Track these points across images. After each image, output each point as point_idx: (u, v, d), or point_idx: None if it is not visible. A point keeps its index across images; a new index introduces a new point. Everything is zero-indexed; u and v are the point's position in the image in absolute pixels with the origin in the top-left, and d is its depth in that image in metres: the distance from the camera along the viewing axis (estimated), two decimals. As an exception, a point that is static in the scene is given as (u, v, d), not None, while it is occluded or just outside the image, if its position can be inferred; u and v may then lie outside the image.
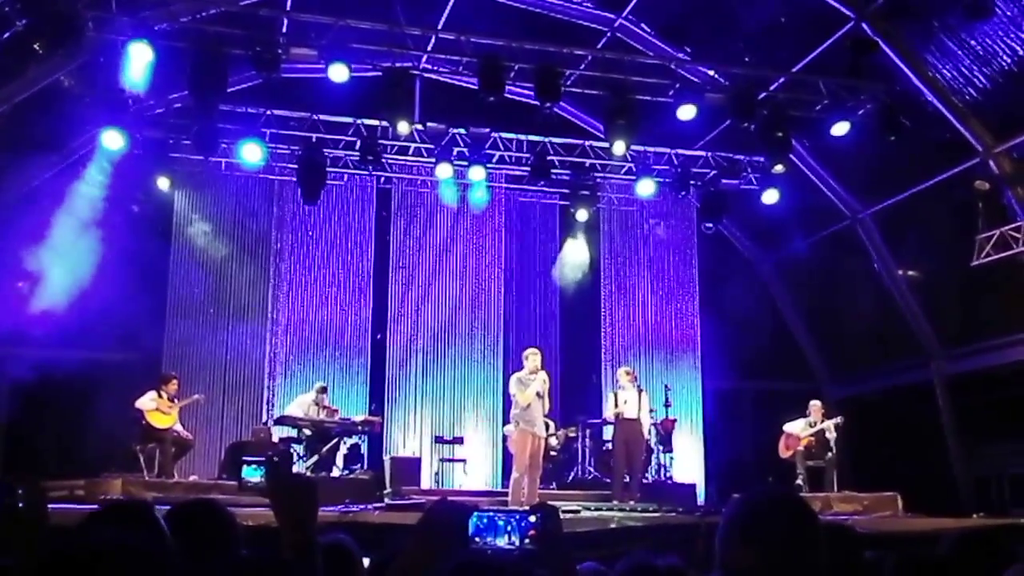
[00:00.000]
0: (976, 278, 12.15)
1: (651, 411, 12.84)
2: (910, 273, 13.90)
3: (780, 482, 11.82)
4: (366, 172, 13.57)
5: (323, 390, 12.26)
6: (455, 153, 13.11)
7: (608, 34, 13.26)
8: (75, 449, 11.51)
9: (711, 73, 12.64)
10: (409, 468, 12.30)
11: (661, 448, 13.14)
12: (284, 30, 11.36)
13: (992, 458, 12.93)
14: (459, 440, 13.46)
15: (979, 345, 12.94)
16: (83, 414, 11.81)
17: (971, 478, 13.16)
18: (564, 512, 8.40)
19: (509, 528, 2.30)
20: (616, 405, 11.38)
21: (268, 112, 12.56)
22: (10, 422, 12.74)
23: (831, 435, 11.95)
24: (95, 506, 3.31)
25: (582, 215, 14.13)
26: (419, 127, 12.48)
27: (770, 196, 13.42)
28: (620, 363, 13.97)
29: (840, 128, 11.99)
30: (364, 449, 12.69)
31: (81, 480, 10.44)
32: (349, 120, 12.70)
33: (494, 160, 13.59)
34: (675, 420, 13.33)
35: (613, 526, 8.28)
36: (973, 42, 11.19)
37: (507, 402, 11.59)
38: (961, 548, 3.03)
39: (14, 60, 10.70)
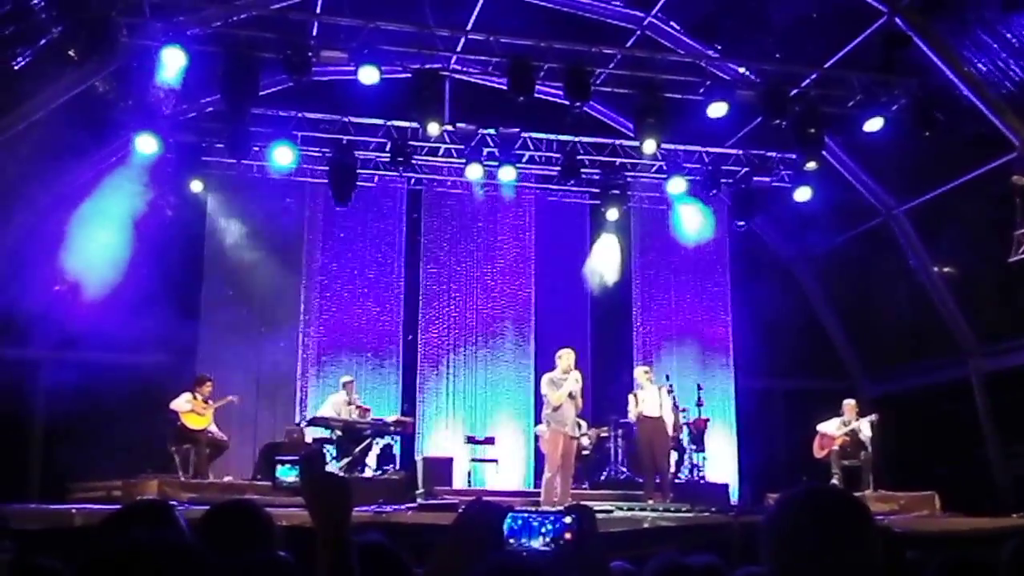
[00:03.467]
0: (1013, 274, 11.94)
1: (683, 410, 12.80)
2: (946, 270, 13.70)
3: (815, 482, 11.71)
4: (396, 173, 13.60)
5: (350, 383, 12.32)
6: (485, 154, 13.10)
7: (637, 32, 13.19)
8: (111, 450, 11.63)
9: (742, 70, 12.57)
10: (441, 468, 12.32)
11: (694, 448, 13.08)
12: (314, 33, 11.45)
13: (1031, 457, 12.73)
14: (490, 440, 13.46)
15: (1017, 342, 12.71)
16: (119, 416, 11.93)
17: (1009, 477, 12.94)
18: (597, 512, 8.38)
19: (544, 529, 2.29)
20: (637, 405, 11.34)
21: (299, 115, 12.62)
22: (47, 424, 12.90)
23: (866, 434, 11.83)
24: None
25: (612, 214, 14.07)
26: (449, 128, 12.48)
27: (803, 193, 13.32)
28: (652, 362, 13.92)
29: (873, 124, 11.84)
30: (396, 449, 12.75)
31: (118, 481, 10.58)
32: (379, 122, 12.75)
33: (524, 160, 13.57)
34: (708, 420, 13.24)
35: (646, 526, 8.25)
36: (1009, 35, 11.00)
37: (538, 402, 11.58)
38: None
39: (49, 66, 10.84)
